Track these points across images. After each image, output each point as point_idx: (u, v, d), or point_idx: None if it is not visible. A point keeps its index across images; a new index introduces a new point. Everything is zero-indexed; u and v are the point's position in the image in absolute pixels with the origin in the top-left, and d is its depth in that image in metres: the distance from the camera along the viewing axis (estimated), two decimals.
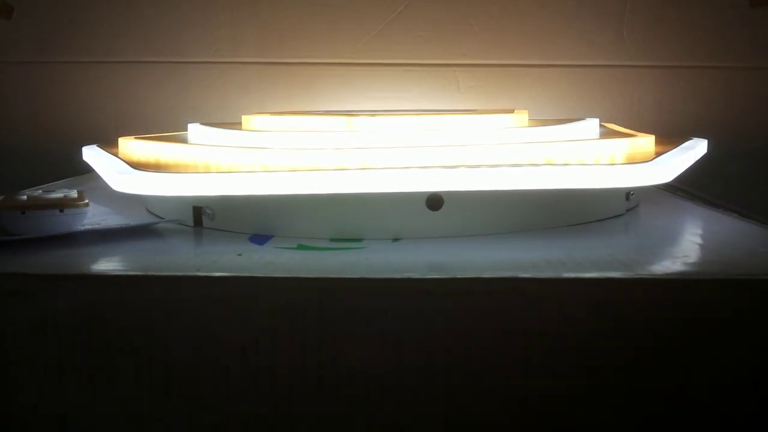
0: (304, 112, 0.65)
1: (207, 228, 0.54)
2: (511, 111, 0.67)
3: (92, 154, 0.63)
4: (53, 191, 0.55)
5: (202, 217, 0.54)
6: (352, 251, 0.45)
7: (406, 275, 0.38)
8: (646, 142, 0.56)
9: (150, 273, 0.39)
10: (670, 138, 0.68)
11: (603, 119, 0.75)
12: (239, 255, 0.44)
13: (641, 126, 0.73)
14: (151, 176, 0.45)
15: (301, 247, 0.46)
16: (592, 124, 0.70)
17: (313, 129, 0.59)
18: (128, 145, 0.62)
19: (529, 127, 0.57)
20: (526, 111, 0.71)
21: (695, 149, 0.57)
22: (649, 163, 0.47)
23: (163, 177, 0.45)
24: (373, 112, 0.60)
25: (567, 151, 0.51)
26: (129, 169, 0.47)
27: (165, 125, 0.99)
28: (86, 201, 0.50)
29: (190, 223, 0.53)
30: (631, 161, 0.48)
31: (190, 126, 0.72)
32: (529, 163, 0.46)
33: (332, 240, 0.49)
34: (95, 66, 1.01)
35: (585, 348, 0.37)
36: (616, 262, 0.40)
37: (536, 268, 0.38)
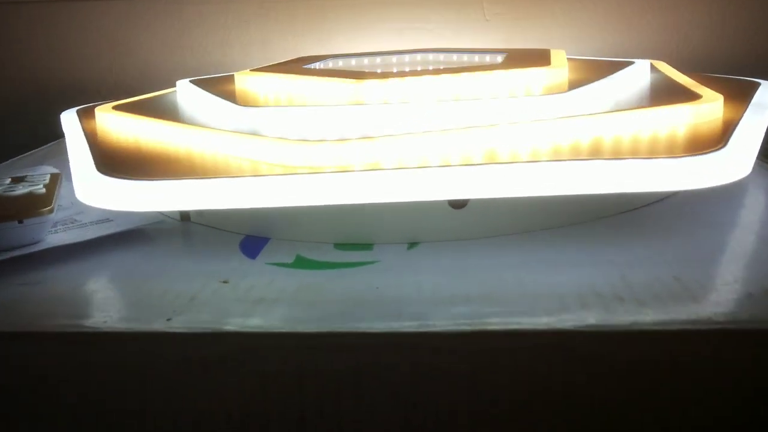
0: (305, 72, 0.56)
1: (195, 223, 0.47)
2: (547, 58, 0.57)
3: (69, 130, 0.55)
4: (19, 185, 0.48)
5: (190, 213, 0.47)
6: (359, 270, 0.38)
7: (422, 327, 0.30)
8: (714, 108, 0.46)
9: (116, 329, 0.32)
10: (728, 82, 0.57)
11: (644, 48, 0.65)
12: (224, 282, 0.37)
13: (689, 58, 0.62)
14: (121, 187, 0.38)
15: (298, 263, 0.39)
16: (641, 70, 0.60)
17: (314, 99, 0.51)
18: (106, 121, 0.54)
19: (568, 90, 0.47)
20: (563, 52, 0.61)
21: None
22: (723, 151, 0.38)
23: (135, 188, 0.38)
24: (384, 75, 0.51)
25: (618, 127, 0.42)
26: (95, 174, 0.40)
27: (162, 65, 0.91)
28: (51, 206, 0.43)
29: (176, 217, 0.47)
30: (698, 145, 0.39)
31: (179, 84, 0.64)
32: (574, 156, 0.37)
33: (337, 247, 0.42)
34: (88, 5, 0.91)
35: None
36: (686, 295, 0.32)
37: (583, 306, 0.31)
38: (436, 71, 0.52)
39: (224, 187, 0.37)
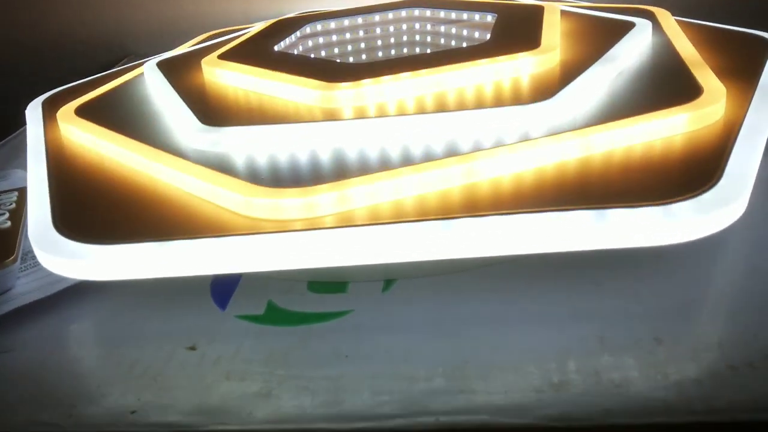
0: (276, 64, 0.51)
1: None
2: (539, 30, 0.52)
3: (30, 142, 0.52)
4: None
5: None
6: (330, 328, 0.37)
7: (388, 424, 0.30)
8: (714, 110, 0.42)
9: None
10: (733, 44, 0.53)
11: None
12: (192, 349, 0.36)
13: None
14: (78, 253, 0.36)
15: (269, 315, 0.38)
16: (640, 40, 0.54)
17: (283, 108, 0.47)
18: (68, 129, 0.51)
19: (556, 92, 0.43)
20: (557, 13, 0.56)
21: None
22: (714, 191, 0.35)
23: (91, 256, 0.36)
24: (356, 74, 0.47)
25: (603, 145, 0.39)
26: (48, 228, 0.38)
27: None
28: (14, 255, 0.41)
29: None
30: (691, 174, 0.36)
31: (146, 71, 0.60)
32: (552, 201, 0.35)
33: (311, 289, 0.40)
34: None
35: None
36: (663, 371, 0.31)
37: (558, 389, 0.30)
38: (415, 65, 0.48)
39: (185, 252, 0.35)
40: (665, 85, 0.47)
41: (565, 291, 0.37)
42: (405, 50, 0.68)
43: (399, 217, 0.35)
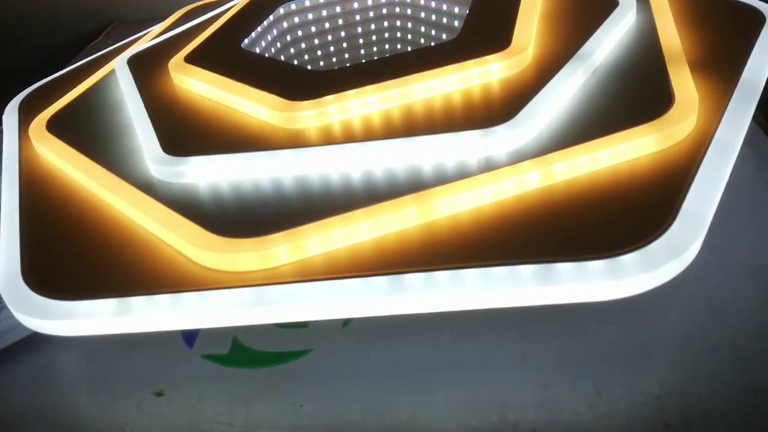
0: (241, 73, 0.50)
1: None
2: (511, 27, 0.50)
3: (5, 149, 0.53)
4: None
5: None
6: (289, 370, 0.38)
7: None
8: (682, 128, 0.41)
9: None
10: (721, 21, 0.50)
11: None
12: (159, 395, 0.38)
13: None
14: (44, 308, 0.37)
15: (233, 355, 0.40)
16: (622, 25, 0.52)
17: (246, 127, 0.47)
18: (41, 148, 0.51)
19: (517, 114, 0.42)
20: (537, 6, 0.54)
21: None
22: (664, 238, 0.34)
23: (58, 312, 0.37)
24: (319, 96, 0.46)
25: (564, 173, 0.39)
26: (17, 281, 0.39)
27: None
28: None
29: None
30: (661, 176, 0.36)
31: (117, 69, 0.59)
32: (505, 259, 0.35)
33: (276, 324, 0.41)
34: None
35: None
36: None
37: None
38: (380, 75, 0.47)
39: (143, 309, 0.36)
40: (637, 90, 0.45)
41: (516, 337, 0.37)
42: (385, 24, 0.66)
43: (354, 263, 0.36)
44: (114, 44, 0.70)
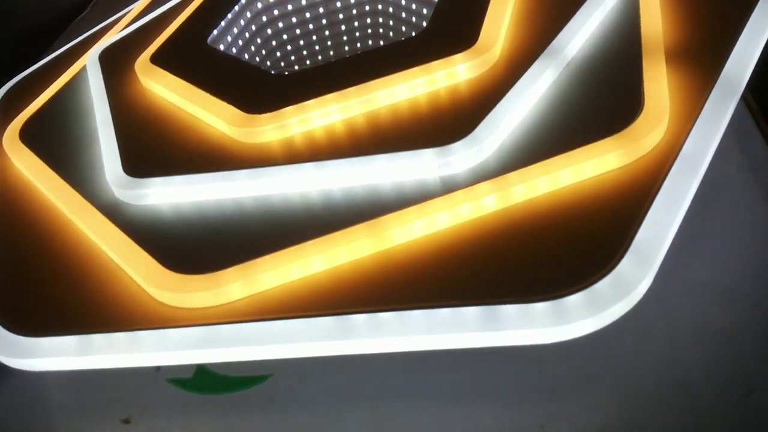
0: (205, 79, 0.49)
1: None
2: (479, 23, 0.48)
3: None
4: None
5: None
6: (248, 397, 0.39)
7: None
8: (648, 142, 0.39)
9: None
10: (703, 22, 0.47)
11: None
12: (126, 422, 0.39)
13: None
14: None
15: (197, 380, 0.41)
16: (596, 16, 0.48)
17: (208, 137, 0.46)
18: (14, 160, 0.52)
19: (475, 129, 0.40)
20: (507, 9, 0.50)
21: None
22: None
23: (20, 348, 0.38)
24: (279, 107, 0.45)
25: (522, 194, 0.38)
26: None
27: None
28: None
29: None
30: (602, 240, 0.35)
31: (88, 65, 0.58)
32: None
33: None
34: None
35: None
36: None
37: None
38: (342, 80, 0.45)
39: (102, 347, 0.37)
40: (606, 93, 0.42)
41: (465, 369, 0.37)
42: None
43: (307, 297, 0.36)
44: (100, 21, 0.69)
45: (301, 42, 0.66)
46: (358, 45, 0.67)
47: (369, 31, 0.66)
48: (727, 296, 0.38)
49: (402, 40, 0.49)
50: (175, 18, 0.58)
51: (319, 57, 0.67)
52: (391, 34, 0.65)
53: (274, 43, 0.65)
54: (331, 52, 0.67)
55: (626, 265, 0.34)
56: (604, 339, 0.34)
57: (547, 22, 0.47)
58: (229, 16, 0.58)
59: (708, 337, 0.36)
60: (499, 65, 0.45)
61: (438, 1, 0.51)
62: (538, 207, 0.38)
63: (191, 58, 0.53)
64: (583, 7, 0.47)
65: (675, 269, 0.35)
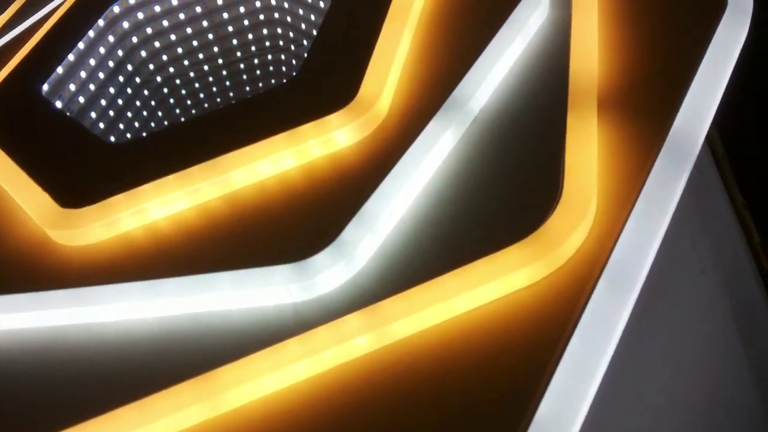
0: None
1: None
2: (360, 74, 0.37)
3: None
4: None
5: None
6: None
7: None
8: (572, 242, 0.29)
9: None
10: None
11: None
12: None
13: None
14: None
15: None
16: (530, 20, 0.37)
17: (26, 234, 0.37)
18: None
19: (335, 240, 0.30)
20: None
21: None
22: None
23: None
24: (106, 196, 0.35)
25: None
26: None
27: None
28: None
29: None
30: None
31: None
32: None
33: None
34: None
35: None
36: None
37: None
38: (190, 157, 0.35)
39: None
40: (513, 173, 0.32)
41: None
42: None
43: None
44: None
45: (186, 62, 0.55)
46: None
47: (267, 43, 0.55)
48: None
49: (268, 92, 0.39)
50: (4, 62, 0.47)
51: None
52: (292, 47, 0.54)
53: (151, 67, 0.54)
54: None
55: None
56: None
57: (446, 68, 0.36)
58: (71, 56, 0.46)
59: None
60: (384, 128, 0.35)
61: (312, 44, 0.40)
62: (422, 350, 0.28)
63: (20, 115, 0.43)
64: (489, 46, 0.36)
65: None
